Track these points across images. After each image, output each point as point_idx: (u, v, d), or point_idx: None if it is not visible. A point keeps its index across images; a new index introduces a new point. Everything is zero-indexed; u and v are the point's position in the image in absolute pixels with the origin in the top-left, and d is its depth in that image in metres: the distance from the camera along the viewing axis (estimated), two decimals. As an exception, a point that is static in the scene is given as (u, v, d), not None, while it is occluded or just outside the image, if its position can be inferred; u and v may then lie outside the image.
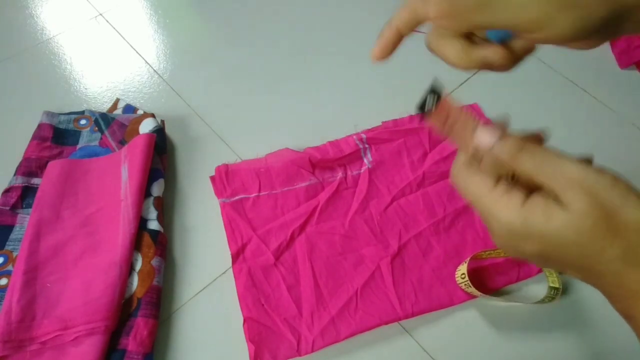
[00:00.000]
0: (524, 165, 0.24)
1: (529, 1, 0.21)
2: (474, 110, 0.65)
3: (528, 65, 0.78)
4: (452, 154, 0.60)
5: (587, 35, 0.22)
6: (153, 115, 0.62)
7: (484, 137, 0.25)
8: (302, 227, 0.55)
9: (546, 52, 0.72)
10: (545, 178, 0.23)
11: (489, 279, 0.52)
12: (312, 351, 0.47)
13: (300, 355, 0.47)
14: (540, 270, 0.52)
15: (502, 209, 0.23)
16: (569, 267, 0.23)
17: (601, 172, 0.22)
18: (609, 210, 0.21)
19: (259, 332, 0.48)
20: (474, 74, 0.70)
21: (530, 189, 0.24)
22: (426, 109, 0.27)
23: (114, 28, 0.75)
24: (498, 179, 0.24)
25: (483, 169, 0.25)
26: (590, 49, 0.24)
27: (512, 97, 0.68)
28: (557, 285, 0.51)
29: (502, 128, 0.25)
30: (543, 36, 0.22)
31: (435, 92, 0.27)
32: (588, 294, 0.52)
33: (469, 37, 0.27)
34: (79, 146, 0.60)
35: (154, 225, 0.53)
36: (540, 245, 0.23)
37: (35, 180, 0.56)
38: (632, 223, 0.21)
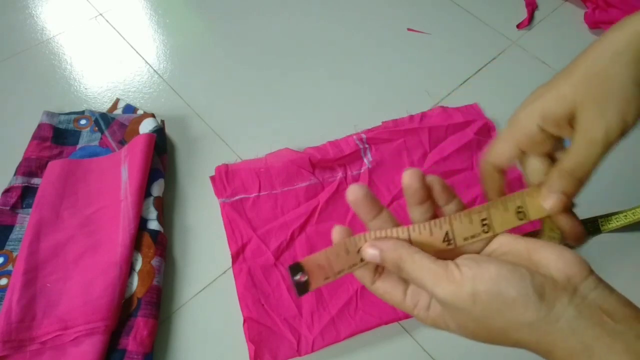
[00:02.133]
0: (403, 275, 0.26)
1: (605, 135, 0.26)
2: (474, 110, 0.65)
3: (528, 64, 0.79)
4: (452, 154, 0.60)
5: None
6: (153, 115, 0.62)
7: (369, 252, 0.26)
8: (302, 227, 0.55)
9: (546, 52, 0.73)
10: (424, 288, 0.25)
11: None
12: (312, 351, 0.47)
13: (300, 355, 0.47)
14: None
15: (417, 318, 0.27)
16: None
17: (460, 288, 0.23)
18: (480, 323, 0.24)
19: (259, 332, 0.48)
20: (474, 73, 0.70)
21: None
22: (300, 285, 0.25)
23: (114, 28, 0.75)
24: (405, 286, 0.27)
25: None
26: None
27: (512, 97, 0.67)
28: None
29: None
30: (621, 132, 0.26)
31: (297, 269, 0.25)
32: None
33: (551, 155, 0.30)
34: (79, 146, 0.60)
35: (154, 225, 0.53)
36: (464, 333, 0.26)
37: (35, 180, 0.56)
38: (506, 331, 0.23)
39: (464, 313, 0.23)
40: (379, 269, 0.27)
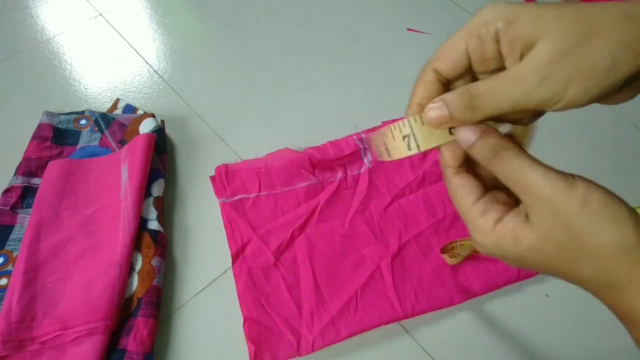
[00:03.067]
0: (498, 173, 0.23)
1: (537, 86, 0.22)
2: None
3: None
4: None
5: (603, 99, 0.23)
6: (153, 115, 0.62)
7: (464, 134, 0.24)
8: (302, 227, 0.55)
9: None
10: (516, 189, 0.23)
11: (488, 278, 0.52)
12: (312, 351, 0.47)
13: (300, 355, 0.47)
14: None
15: (477, 230, 0.24)
16: (557, 276, 0.23)
17: (572, 188, 0.21)
18: (575, 234, 0.21)
19: (259, 332, 0.48)
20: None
21: (511, 196, 0.24)
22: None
23: (114, 28, 0.75)
24: (482, 190, 0.25)
25: (467, 177, 0.25)
26: (628, 101, 0.25)
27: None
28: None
29: (484, 127, 0.24)
30: (561, 107, 0.23)
31: None
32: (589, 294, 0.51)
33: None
34: (79, 146, 0.60)
35: (154, 225, 0.53)
36: (516, 263, 0.24)
37: (35, 180, 0.56)
38: (599, 248, 0.21)
39: (562, 220, 0.21)
40: (467, 165, 0.25)
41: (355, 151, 0.60)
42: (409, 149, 0.25)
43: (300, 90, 0.69)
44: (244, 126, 0.65)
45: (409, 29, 0.76)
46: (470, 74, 0.25)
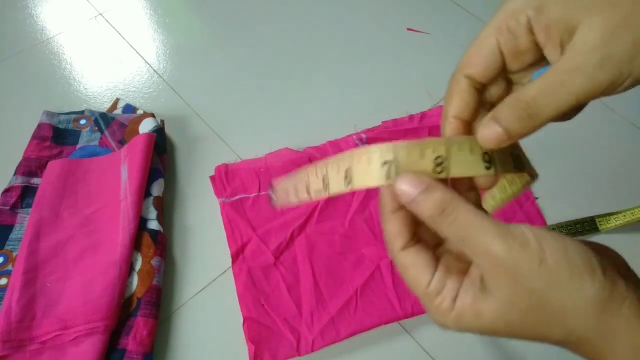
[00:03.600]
0: (446, 233, 0.21)
1: (599, 69, 0.19)
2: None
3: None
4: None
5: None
6: (153, 115, 0.62)
7: (403, 188, 0.21)
8: (302, 227, 0.55)
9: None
10: (469, 251, 0.21)
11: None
12: (312, 351, 0.47)
13: (300, 355, 0.47)
14: None
15: (435, 312, 0.22)
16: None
17: (526, 245, 0.19)
18: (537, 297, 0.19)
19: (259, 332, 0.48)
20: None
21: (460, 260, 0.22)
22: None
23: (114, 28, 0.75)
24: (434, 263, 0.22)
25: (418, 250, 0.22)
26: None
27: (512, 97, 0.67)
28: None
29: (429, 179, 0.21)
30: (629, 86, 0.20)
31: None
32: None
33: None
34: (79, 146, 0.60)
35: (154, 225, 0.53)
36: (485, 335, 0.22)
37: (35, 180, 0.56)
38: (564, 309, 0.19)
39: (521, 284, 0.19)
40: (415, 236, 0.23)
41: (355, 151, 0.60)
42: (388, 177, 0.21)
43: (301, 90, 0.69)
44: (244, 126, 0.65)
45: (409, 29, 0.76)
46: (504, 79, 0.24)
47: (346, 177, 0.22)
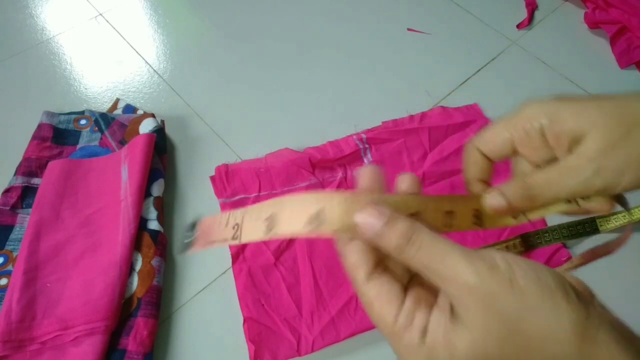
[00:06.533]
0: (413, 262, 0.20)
1: (593, 176, 0.23)
2: (474, 111, 0.65)
3: (528, 64, 0.79)
4: (452, 154, 0.60)
5: None
6: (153, 115, 0.62)
7: (366, 221, 0.20)
8: (302, 227, 0.55)
9: (546, 52, 0.73)
10: (436, 279, 0.20)
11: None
12: (312, 351, 0.47)
13: (300, 355, 0.47)
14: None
15: (404, 349, 0.20)
16: None
17: (495, 269, 0.19)
18: (511, 323, 0.18)
19: (259, 332, 0.48)
20: (474, 73, 0.70)
21: (427, 289, 0.22)
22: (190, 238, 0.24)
23: (114, 28, 0.75)
24: (401, 294, 0.21)
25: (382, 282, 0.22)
26: None
27: (512, 97, 0.68)
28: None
29: (388, 211, 0.21)
30: (617, 193, 0.24)
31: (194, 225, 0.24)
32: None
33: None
34: (79, 146, 0.60)
35: (154, 225, 0.53)
36: None
37: (35, 180, 0.56)
38: (541, 339, 0.18)
39: (494, 309, 0.18)
40: (381, 265, 0.22)
41: (355, 151, 0.60)
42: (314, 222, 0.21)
43: (300, 90, 0.69)
44: (244, 126, 0.65)
45: (409, 29, 0.76)
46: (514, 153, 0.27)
47: (267, 223, 0.21)
